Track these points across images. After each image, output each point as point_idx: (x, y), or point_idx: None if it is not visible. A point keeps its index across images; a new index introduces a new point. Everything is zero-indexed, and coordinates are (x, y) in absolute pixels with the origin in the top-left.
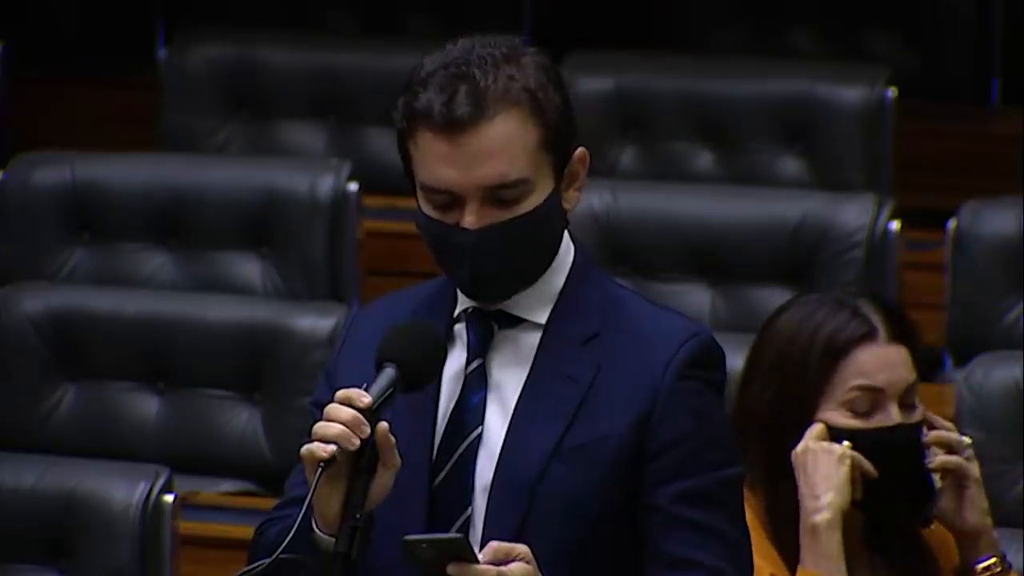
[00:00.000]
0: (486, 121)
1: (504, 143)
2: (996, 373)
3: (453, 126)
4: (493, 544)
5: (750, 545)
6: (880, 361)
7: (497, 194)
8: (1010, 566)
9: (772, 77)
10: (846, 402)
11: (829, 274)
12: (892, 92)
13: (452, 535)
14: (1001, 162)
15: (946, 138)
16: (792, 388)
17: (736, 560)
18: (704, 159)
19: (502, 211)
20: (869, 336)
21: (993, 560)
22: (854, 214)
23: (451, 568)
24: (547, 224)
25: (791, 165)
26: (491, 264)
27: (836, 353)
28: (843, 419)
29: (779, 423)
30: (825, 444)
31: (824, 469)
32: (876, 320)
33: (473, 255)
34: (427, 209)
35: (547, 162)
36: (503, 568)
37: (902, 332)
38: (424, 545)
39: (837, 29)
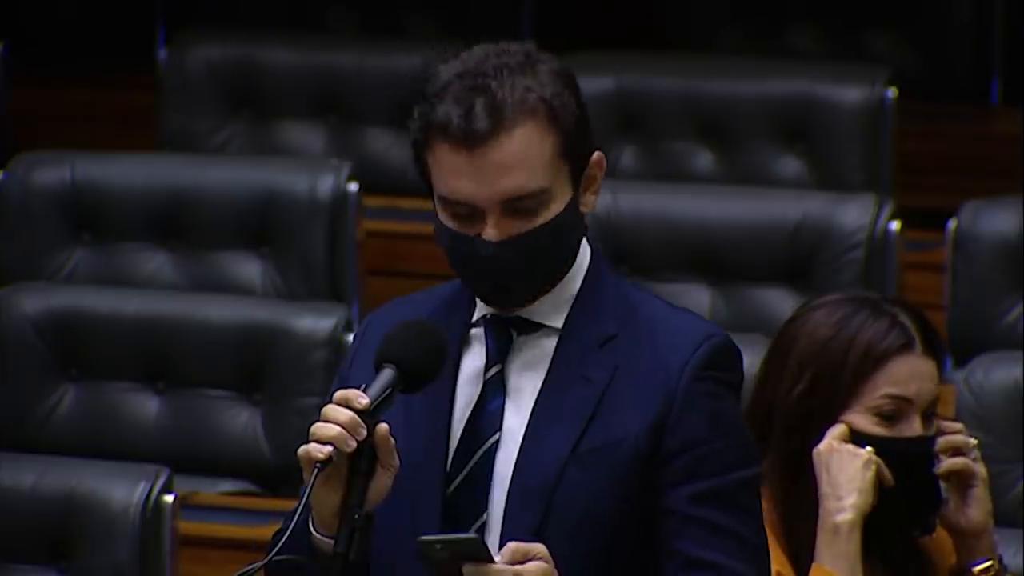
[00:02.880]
0: (504, 134)
1: (522, 155)
2: (996, 373)
3: (471, 140)
4: (511, 544)
5: (767, 546)
6: (913, 373)
7: (516, 205)
8: (1006, 569)
9: (772, 77)
10: (873, 408)
11: (829, 274)
12: (892, 92)
13: (467, 535)
14: (1001, 162)
15: (946, 138)
16: (824, 388)
17: (753, 560)
18: (704, 159)
19: (522, 221)
20: (907, 347)
21: (990, 563)
22: (854, 214)
23: (466, 568)
24: (567, 231)
25: (791, 165)
26: (513, 274)
27: (874, 360)
28: (867, 424)
29: (805, 421)
30: (850, 447)
31: (849, 471)
32: (913, 331)
33: (495, 266)
34: (445, 220)
35: (565, 170)
36: (519, 568)
37: (934, 346)
38: (439, 545)
39: (837, 29)
